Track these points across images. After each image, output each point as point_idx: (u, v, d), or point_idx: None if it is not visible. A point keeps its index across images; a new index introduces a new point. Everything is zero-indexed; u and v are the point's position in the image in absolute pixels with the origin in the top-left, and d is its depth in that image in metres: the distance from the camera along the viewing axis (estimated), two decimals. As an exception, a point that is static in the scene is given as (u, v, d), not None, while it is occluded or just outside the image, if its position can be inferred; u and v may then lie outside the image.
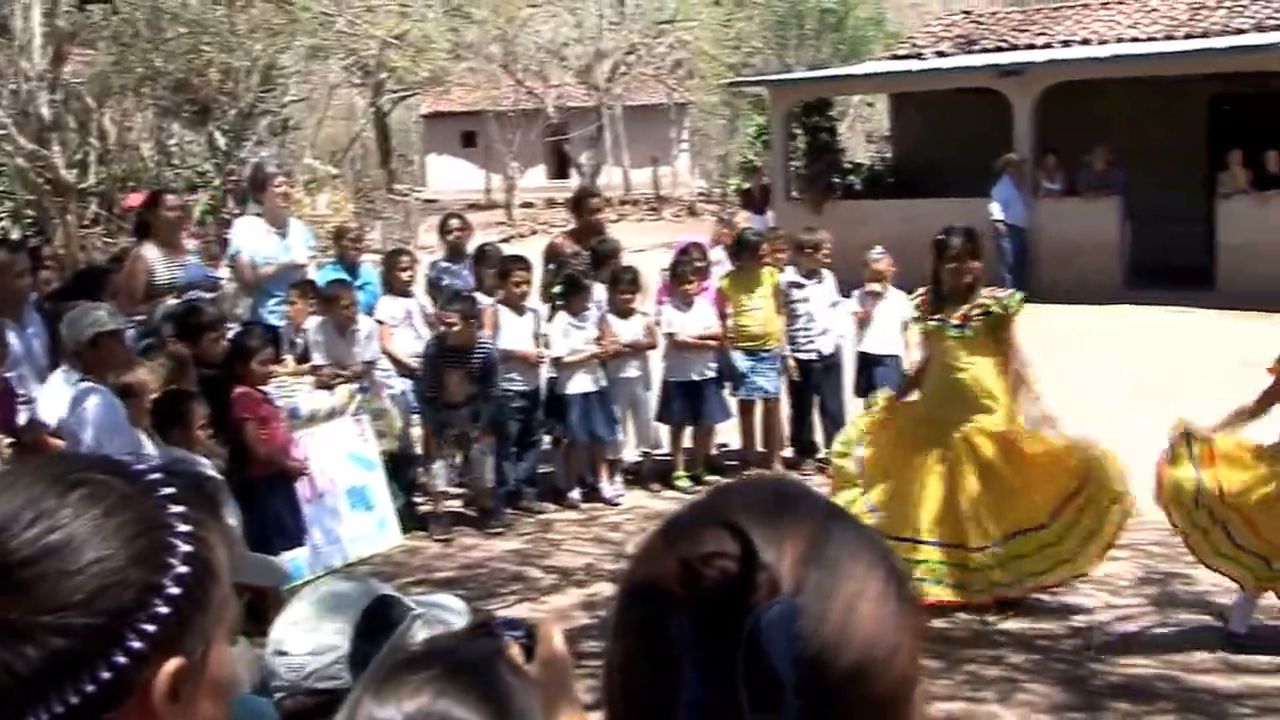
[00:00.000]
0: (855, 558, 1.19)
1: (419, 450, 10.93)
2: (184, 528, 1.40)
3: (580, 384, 10.75)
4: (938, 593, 7.91)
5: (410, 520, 10.30)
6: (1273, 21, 24.00)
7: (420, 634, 2.78)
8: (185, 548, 1.39)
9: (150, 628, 1.35)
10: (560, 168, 49.63)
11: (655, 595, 1.18)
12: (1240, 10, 25.08)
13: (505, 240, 27.86)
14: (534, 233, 33.71)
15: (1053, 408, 8.10)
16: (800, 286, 11.44)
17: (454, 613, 3.07)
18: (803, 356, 11.42)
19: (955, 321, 8.08)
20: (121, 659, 1.34)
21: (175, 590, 1.37)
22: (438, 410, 10.23)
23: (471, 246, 12.11)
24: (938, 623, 7.78)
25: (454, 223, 12.30)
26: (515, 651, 1.96)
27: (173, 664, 1.37)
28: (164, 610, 1.36)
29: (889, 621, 1.17)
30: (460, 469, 10.45)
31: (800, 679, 1.10)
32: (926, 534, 8.06)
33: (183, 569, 1.38)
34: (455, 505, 10.66)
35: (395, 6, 32.77)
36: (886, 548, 1.24)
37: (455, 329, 10.01)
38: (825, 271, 11.60)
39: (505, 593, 8.80)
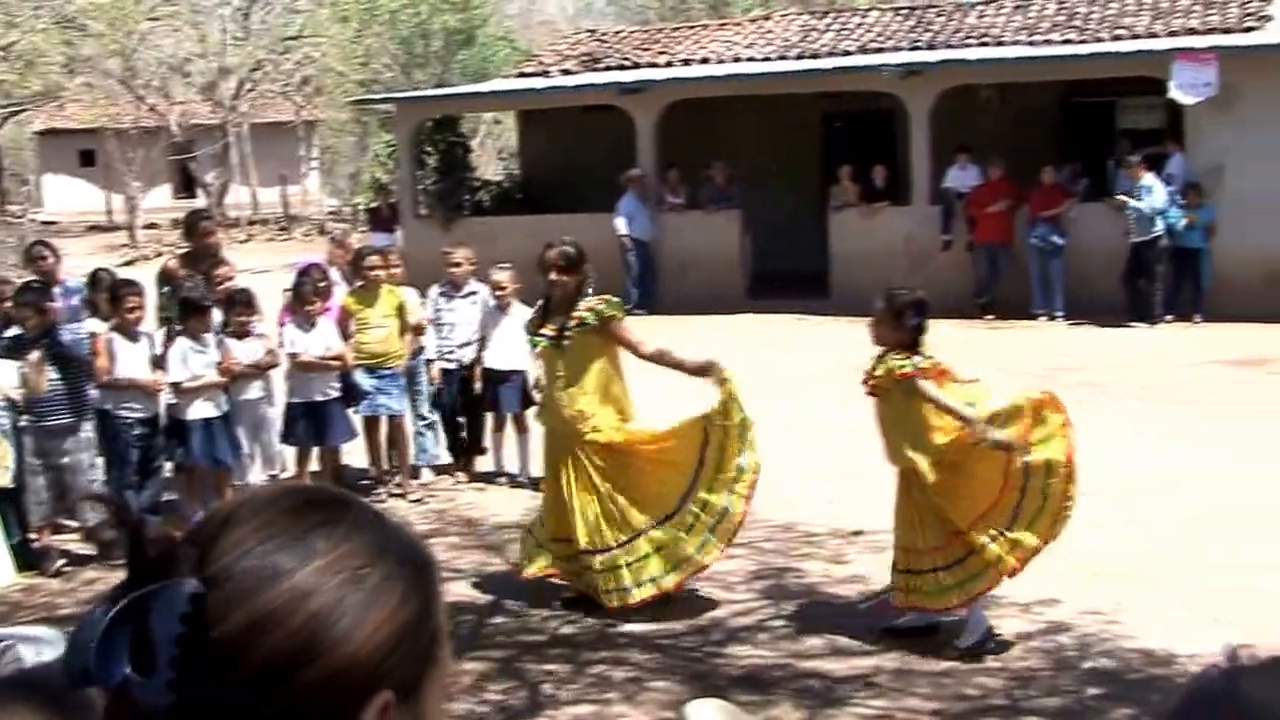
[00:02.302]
0: (310, 559, 1.18)
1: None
2: None
3: (200, 409, 10.51)
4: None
5: (26, 557, 9.91)
6: (876, 44, 25.27)
7: (10, 664, 2.75)
8: None
9: None
10: (186, 187, 48.42)
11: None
12: (848, 33, 26.37)
13: (128, 263, 27.09)
14: (159, 254, 32.63)
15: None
16: (449, 298, 11.64)
17: (46, 643, 3.04)
18: (447, 366, 11.59)
19: (550, 334, 8.26)
20: None
21: None
22: (39, 436, 9.84)
23: (63, 273, 11.74)
24: (564, 628, 8.01)
25: (38, 250, 11.87)
26: None
27: None
28: None
29: (326, 630, 1.15)
30: (60, 506, 10.06)
31: (184, 656, 1.12)
32: (585, 541, 8.09)
33: None
34: (74, 539, 10.31)
35: (2, 16, 31.45)
36: (367, 555, 1.21)
37: (30, 322, 9.70)
38: (479, 285, 11.71)
39: (129, 624, 8.56)
